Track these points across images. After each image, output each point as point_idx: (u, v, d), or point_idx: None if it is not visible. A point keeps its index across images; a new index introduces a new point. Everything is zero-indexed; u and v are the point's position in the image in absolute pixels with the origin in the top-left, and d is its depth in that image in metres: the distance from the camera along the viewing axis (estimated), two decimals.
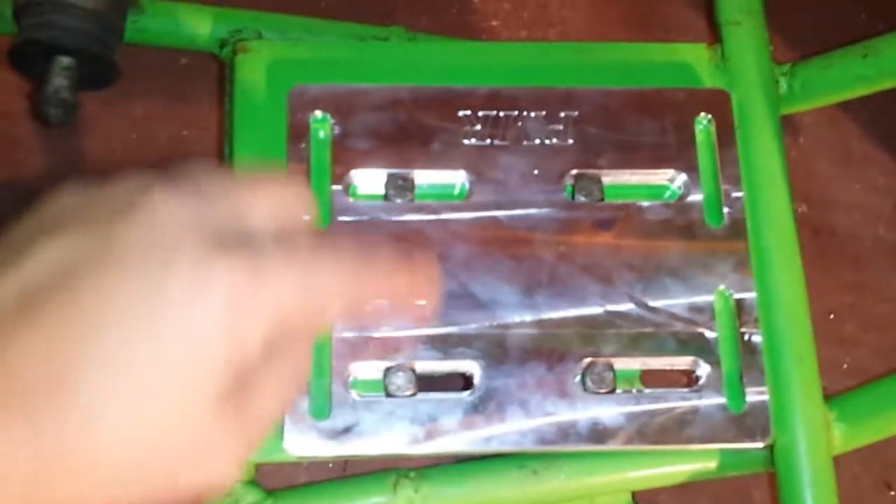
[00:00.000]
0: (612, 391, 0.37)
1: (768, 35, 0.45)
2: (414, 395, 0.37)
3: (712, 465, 0.40)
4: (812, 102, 0.46)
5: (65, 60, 0.42)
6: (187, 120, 0.54)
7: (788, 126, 0.59)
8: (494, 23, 0.60)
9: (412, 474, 0.40)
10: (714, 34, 0.46)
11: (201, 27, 0.46)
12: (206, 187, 0.27)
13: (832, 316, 0.55)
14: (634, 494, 0.43)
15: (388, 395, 0.37)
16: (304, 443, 0.36)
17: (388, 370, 0.37)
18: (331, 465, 0.48)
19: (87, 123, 0.52)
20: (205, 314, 0.24)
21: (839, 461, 0.40)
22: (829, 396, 0.42)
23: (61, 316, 0.24)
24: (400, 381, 0.37)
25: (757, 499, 0.51)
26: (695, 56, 0.44)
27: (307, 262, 0.26)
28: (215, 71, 0.54)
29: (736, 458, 0.41)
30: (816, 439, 0.39)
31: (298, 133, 0.39)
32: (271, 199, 0.28)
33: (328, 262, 0.27)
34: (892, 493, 0.52)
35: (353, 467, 0.46)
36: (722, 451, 0.40)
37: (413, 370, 0.37)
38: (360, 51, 0.42)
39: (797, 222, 0.42)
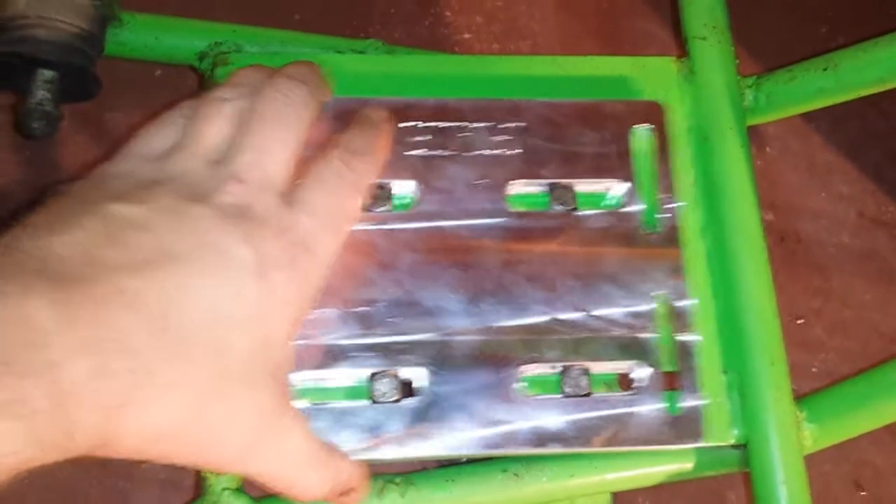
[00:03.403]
0: (589, 394, 0.38)
1: (734, 49, 0.46)
2: (398, 401, 0.37)
3: (689, 465, 0.41)
4: (777, 114, 0.47)
5: (47, 73, 0.42)
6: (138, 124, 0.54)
7: (755, 137, 0.60)
8: (467, 35, 0.61)
9: (398, 479, 0.40)
10: (681, 48, 0.47)
11: (181, 40, 0.46)
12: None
13: (800, 321, 0.57)
14: (613, 496, 0.44)
15: (374, 401, 0.37)
16: None
17: (373, 376, 0.37)
18: None
19: (61, 135, 0.52)
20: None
21: (810, 461, 0.41)
22: (799, 397, 0.43)
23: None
24: (384, 387, 0.37)
25: (732, 499, 0.52)
26: (663, 69, 0.45)
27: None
28: (190, 83, 0.55)
29: (712, 459, 0.42)
30: (788, 438, 0.40)
31: None
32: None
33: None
34: (862, 493, 0.53)
35: None
36: (698, 451, 0.41)
37: (396, 376, 0.37)
38: (337, 63, 0.43)
39: (765, 230, 0.43)
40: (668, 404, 0.38)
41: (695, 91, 0.44)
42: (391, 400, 0.37)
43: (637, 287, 0.40)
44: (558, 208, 0.41)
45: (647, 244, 0.41)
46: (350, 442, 0.36)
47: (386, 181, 0.40)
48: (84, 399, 0.25)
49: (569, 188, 0.41)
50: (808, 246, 0.58)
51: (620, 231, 0.41)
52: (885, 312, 0.57)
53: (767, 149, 0.60)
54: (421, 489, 0.40)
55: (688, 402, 0.39)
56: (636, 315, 0.39)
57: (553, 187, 0.41)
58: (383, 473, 0.41)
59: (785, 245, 0.58)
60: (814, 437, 0.42)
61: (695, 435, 0.38)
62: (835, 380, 0.50)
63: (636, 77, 0.44)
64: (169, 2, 0.55)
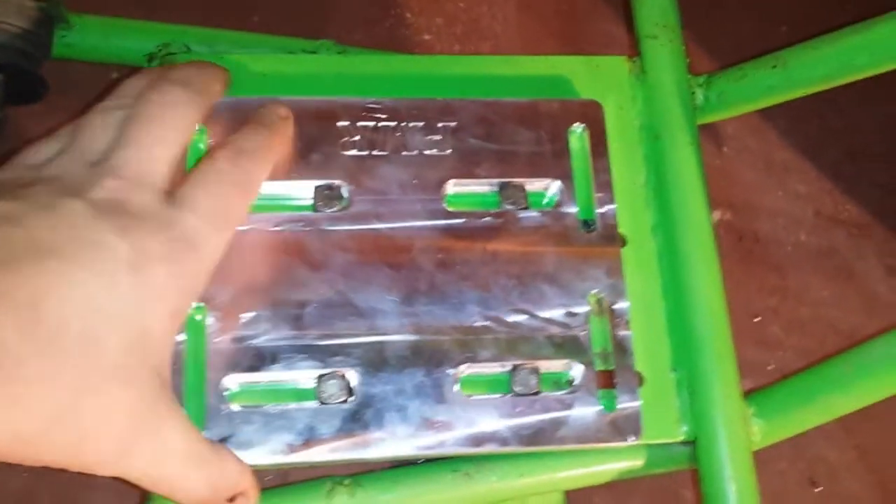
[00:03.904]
0: (537, 393, 0.38)
1: (686, 48, 0.46)
2: (345, 401, 0.37)
3: (639, 462, 0.42)
4: (728, 112, 0.47)
5: None
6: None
7: (713, 136, 0.61)
8: (427, 37, 0.61)
9: (347, 481, 0.40)
10: (635, 48, 0.47)
11: (129, 41, 0.46)
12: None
13: (757, 319, 0.57)
14: (567, 494, 0.44)
15: (322, 403, 0.37)
16: None
17: (320, 378, 0.37)
18: (269, 477, 0.48)
19: (14, 139, 0.52)
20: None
21: (765, 458, 0.41)
22: (748, 393, 0.43)
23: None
24: (332, 388, 0.37)
25: (687, 497, 0.52)
26: (615, 68, 0.45)
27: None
28: None
29: (662, 456, 0.42)
30: (736, 434, 0.40)
31: None
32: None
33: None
34: (817, 489, 0.54)
35: (294, 475, 0.46)
36: (648, 448, 0.41)
37: (343, 376, 0.37)
38: (287, 64, 0.43)
39: (723, 229, 0.43)
40: (604, 403, 0.38)
41: (646, 90, 0.45)
42: (338, 401, 0.37)
43: (573, 286, 0.40)
44: (508, 207, 0.41)
45: (583, 243, 0.41)
46: (284, 445, 0.36)
47: (334, 181, 0.40)
48: None
49: (520, 187, 0.41)
50: (765, 244, 0.59)
51: (557, 230, 0.41)
52: (842, 309, 0.58)
53: (725, 148, 0.60)
54: (369, 490, 0.40)
55: (625, 401, 0.39)
56: (572, 314, 0.39)
57: (503, 186, 0.41)
58: (331, 475, 0.41)
59: (742, 244, 0.58)
60: (763, 432, 0.42)
61: (634, 432, 0.38)
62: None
63: (588, 76, 0.45)
64: (133, 2, 0.55)
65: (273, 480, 0.48)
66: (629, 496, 0.52)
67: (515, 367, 0.38)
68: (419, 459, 0.42)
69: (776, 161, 0.61)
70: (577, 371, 0.39)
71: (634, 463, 0.42)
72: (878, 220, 0.60)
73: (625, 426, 0.38)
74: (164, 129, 0.33)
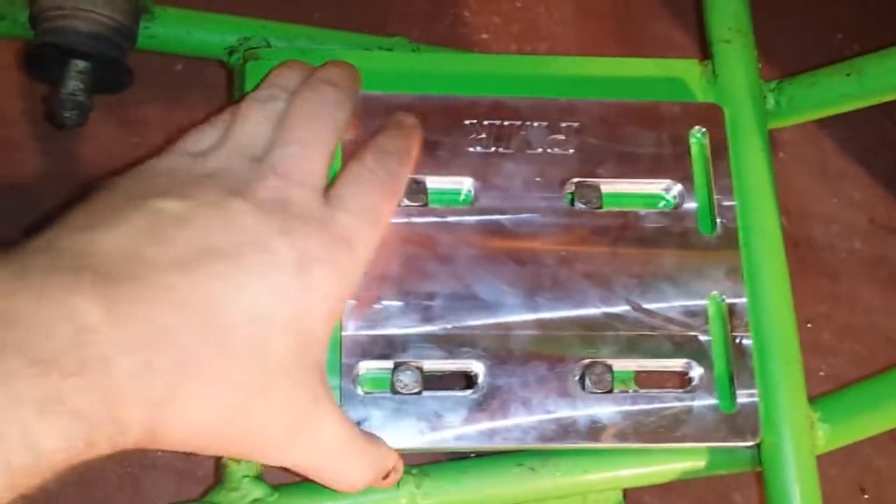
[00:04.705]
0: (610, 391, 0.39)
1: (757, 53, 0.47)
2: (420, 392, 0.38)
3: (702, 463, 0.42)
4: (798, 118, 0.48)
5: (80, 64, 0.43)
6: (184, 125, 0.55)
7: (769, 142, 0.61)
8: (485, 36, 0.62)
9: (414, 471, 0.41)
10: (699, 51, 0.48)
11: (211, 35, 0.47)
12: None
13: (810, 325, 0.57)
14: (625, 492, 0.44)
15: (395, 392, 0.38)
16: None
17: (396, 368, 0.38)
18: None
19: (83, 128, 0.53)
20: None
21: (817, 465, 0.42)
22: (812, 399, 0.43)
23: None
24: (407, 378, 0.38)
25: (738, 500, 0.52)
26: (687, 71, 0.46)
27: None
28: (210, 78, 0.55)
29: (725, 458, 0.42)
30: (802, 438, 0.40)
31: None
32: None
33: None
34: (866, 496, 0.54)
35: None
36: (711, 450, 0.42)
37: (420, 369, 0.38)
38: (365, 60, 0.43)
39: None
40: (722, 402, 0.39)
41: (718, 94, 0.45)
42: (413, 392, 0.38)
43: (694, 286, 0.40)
44: (582, 207, 0.41)
45: (703, 245, 0.41)
46: (413, 431, 0.37)
47: (418, 176, 0.40)
48: (132, 395, 0.26)
49: (595, 186, 0.41)
50: (818, 251, 0.59)
51: (677, 231, 0.41)
52: (894, 318, 0.58)
53: (781, 154, 0.61)
54: (436, 481, 0.41)
55: (743, 400, 0.39)
56: (692, 314, 0.40)
57: (578, 185, 0.41)
58: None
59: (797, 250, 0.59)
60: (827, 437, 0.42)
61: (752, 432, 0.39)
62: (843, 383, 0.51)
63: (660, 79, 0.45)
64: None
65: None
66: (680, 496, 0.52)
67: (609, 365, 0.39)
68: (488, 452, 0.43)
69: (831, 168, 0.61)
70: (696, 371, 0.39)
71: (696, 464, 0.42)
72: None
73: (743, 426, 0.39)
74: (322, 128, 0.35)
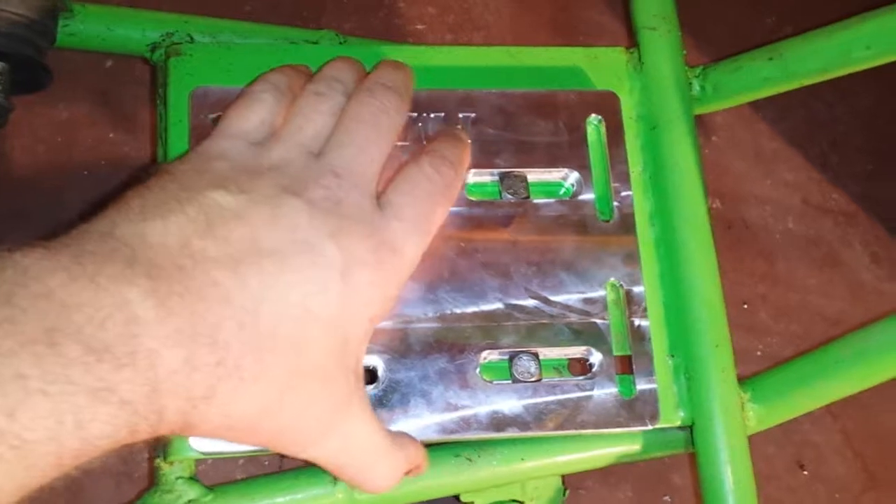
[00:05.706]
0: (539, 380, 0.39)
1: (682, 40, 0.47)
2: None
3: (637, 447, 0.42)
4: (724, 103, 0.48)
5: None
6: (113, 122, 0.54)
7: (702, 126, 0.62)
8: (420, 26, 0.61)
9: None
10: (631, 39, 0.48)
11: (132, 31, 0.46)
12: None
13: (746, 305, 0.58)
14: (564, 478, 0.44)
15: None
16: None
17: None
18: (266, 462, 0.49)
19: (10, 127, 0.52)
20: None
21: (754, 442, 0.42)
22: (744, 379, 0.44)
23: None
24: None
25: (676, 481, 0.53)
26: (614, 59, 0.46)
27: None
28: (139, 74, 0.54)
29: (659, 440, 0.43)
30: (732, 419, 0.41)
31: (200, 135, 0.40)
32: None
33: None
34: (805, 472, 0.55)
35: (290, 463, 0.47)
36: (645, 433, 0.42)
37: None
38: (291, 54, 0.43)
39: (712, 217, 0.44)
40: (621, 388, 0.39)
41: (644, 81, 0.45)
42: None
43: (592, 274, 0.41)
44: (509, 197, 0.41)
45: (601, 232, 0.41)
46: None
47: None
48: (174, 388, 0.26)
49: (521, 177, 0.42)
50: (753, 232, 0.60)
51: (575, 219, 0.41)
52: (829, 297, 0.59)
53: (714, 138, 0.61)
54: None
55: (642, 386, 0.39)
56: (591, 301, 0.40)
57: (504, 176, 0.42)
58: None
59: (731, 232, 0.59)
60: (757, 417, 0.43)
61: (651, 417, 0.39)
62: (779, 362, 0.52)
63: (587, 67, 0.45)
64: None
65: (271, 466, 0.48)
66: (621, 480, 0.53)
67: (516, 354, 0.39)
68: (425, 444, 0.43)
69: (765, 151, 0.62)
70: (595, 357, 0.39)
71: (631, 447, 0.43)
72: (864, 208, 0.61)
73: (642, 411, 0.39)
74: (381, 132, 0.35)
